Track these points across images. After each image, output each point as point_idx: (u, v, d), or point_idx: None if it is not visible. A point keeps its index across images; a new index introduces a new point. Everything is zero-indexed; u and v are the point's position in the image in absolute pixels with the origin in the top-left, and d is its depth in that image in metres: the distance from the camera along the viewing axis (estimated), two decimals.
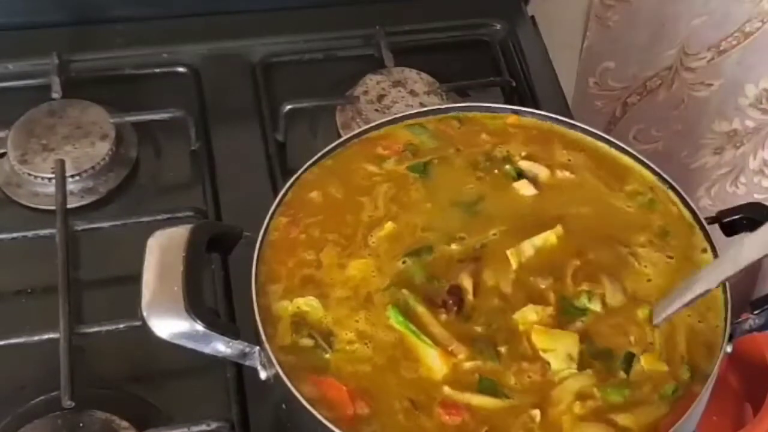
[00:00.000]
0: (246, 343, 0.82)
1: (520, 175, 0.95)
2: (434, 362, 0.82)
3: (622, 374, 0.82)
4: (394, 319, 0.84)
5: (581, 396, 0.81)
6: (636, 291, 0.88)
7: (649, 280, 0.89)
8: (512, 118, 1.00)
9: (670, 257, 0.90)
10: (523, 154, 0.97)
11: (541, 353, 0.82)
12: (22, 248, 1.04)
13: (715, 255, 0.90)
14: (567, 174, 0.96)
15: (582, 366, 0.82)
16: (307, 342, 0.83)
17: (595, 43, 1.58)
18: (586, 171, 0.96)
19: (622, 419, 0.80)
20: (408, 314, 0.84)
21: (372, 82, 1.19)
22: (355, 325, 0.84)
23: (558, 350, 0.82)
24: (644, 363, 0.83)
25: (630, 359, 0.83)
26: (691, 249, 0.91)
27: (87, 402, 0.92)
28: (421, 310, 0.85)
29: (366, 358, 0.83)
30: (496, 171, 0.96)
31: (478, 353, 0.82)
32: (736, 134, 1.64)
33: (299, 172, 0.94)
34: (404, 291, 0.85)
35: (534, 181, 0.95)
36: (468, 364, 0.82)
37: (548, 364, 0.82)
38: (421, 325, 0.84)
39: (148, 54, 1.23)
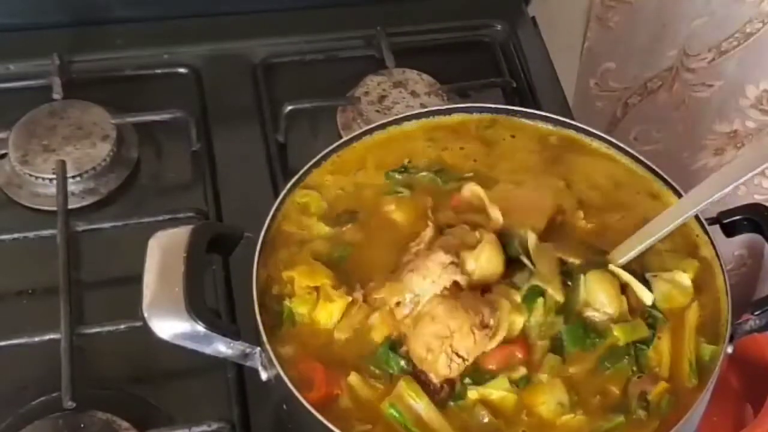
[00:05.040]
0: (247, 344, 0.83)
1: None
2: None
3: (640, 412, 0.81)
4: (394, 412, 0.79)
5: None
6: None
7: None
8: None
9: None
10: None
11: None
12: (23, 249, 1.04)
13: (716, 254, 0.90)
14: None
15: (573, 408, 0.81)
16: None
17: (595, 43, 1.58)
18: None
19: None
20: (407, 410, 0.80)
21: (373, 83, 1.19)
22: None
23: (548, 402, 0.81)
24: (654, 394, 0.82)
25: (645, 396, 0.81)
26: None
27: (88, 403, 0.92)
28: (424, 402, 0.80)
29: None
30: None
31: None
32: (737, 135, 1.64)
33: (299, 172, 0.94)
34: (402, 383, 0.80)
35: None
36: None
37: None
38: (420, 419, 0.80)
39: (149, 55, 1.23)
